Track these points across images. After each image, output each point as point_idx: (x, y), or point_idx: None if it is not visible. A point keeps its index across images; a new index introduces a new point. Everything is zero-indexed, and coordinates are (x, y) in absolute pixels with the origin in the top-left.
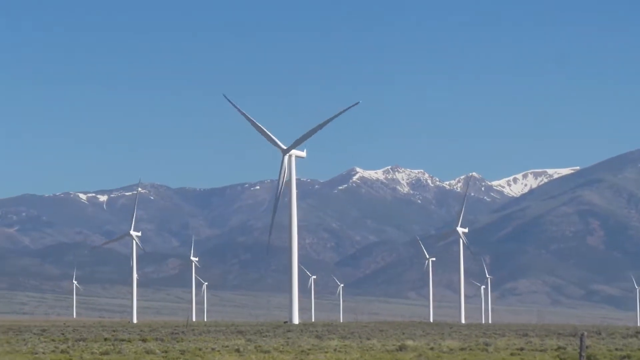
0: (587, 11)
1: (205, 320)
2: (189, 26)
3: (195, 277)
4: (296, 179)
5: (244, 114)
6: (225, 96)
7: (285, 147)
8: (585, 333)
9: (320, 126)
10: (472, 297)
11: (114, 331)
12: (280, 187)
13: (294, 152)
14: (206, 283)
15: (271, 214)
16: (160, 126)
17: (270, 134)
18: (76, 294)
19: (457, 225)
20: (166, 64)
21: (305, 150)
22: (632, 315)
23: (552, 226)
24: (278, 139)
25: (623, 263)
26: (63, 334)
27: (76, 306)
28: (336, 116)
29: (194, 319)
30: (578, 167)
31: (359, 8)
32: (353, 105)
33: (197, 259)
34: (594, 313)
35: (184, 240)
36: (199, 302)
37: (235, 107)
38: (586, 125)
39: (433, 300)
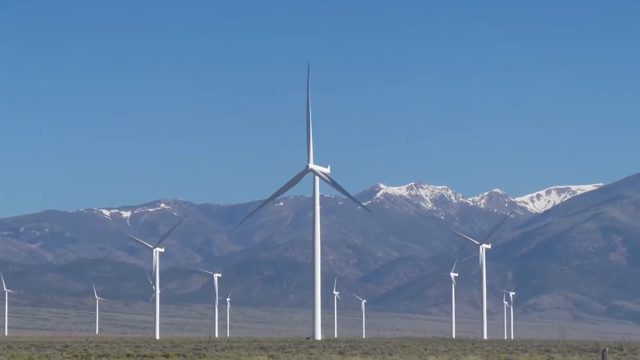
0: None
1: (228, 336)
2: (214, 47)
3: (218, 294)
4: (320, 195)
5: (308, 109)
6: (309, 66)
7: (310, 164)
8: (607, 349)
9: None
10: (495, 313)
11: (136, 347)
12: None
13: (318, 168)
14: (229, 299)
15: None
16: (183, 142)
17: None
18: (99, 310)
19: (481, 242)
20: (191, 80)
21: (329, 166)
22: None
23: (574, 242)
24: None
25: None
26: (85, 349)
27: (99, 322)
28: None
29: (216, 335)
30: (601, 184)
31: (377, 20)
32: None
33: (219, 275)
34: (616, 329)
35: (207, 256)
36: (222, 318)
37: (308, 93)
38: (609, 142)
39: (455, 316)
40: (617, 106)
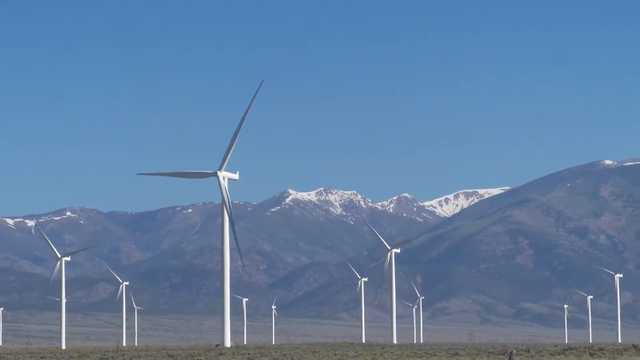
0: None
1: (136, 345)
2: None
3: (127, 302)
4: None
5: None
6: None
7: (214, 171)
8: (515, 351)
9: (238, 131)
10: (404, 317)
11: (42, 358)
12: (228, 208)
13: (226, 174)
14: (138, 307)
15: (234, 237)
16: (89, 149)
17: (192, 171)
18: (2, 321)
19: (389, 247)
20: (102, 86)
21: (237, 172)
22: (560, 332)
23: (482, 245)
24: (204, 168)
25: (551, 281)
26: None
27: (2, 333)
28: (249, 107)
29: (124, 344)
30: (508, 187)
31: (299, 28)
32: (260, 86)
33: (127, 283)
34: (523, 331)
35: (114, 264)
36: (130, 327)
37: (153, 174)
38: (516, 146)
39: (365, 321)
40: (522, 110)
